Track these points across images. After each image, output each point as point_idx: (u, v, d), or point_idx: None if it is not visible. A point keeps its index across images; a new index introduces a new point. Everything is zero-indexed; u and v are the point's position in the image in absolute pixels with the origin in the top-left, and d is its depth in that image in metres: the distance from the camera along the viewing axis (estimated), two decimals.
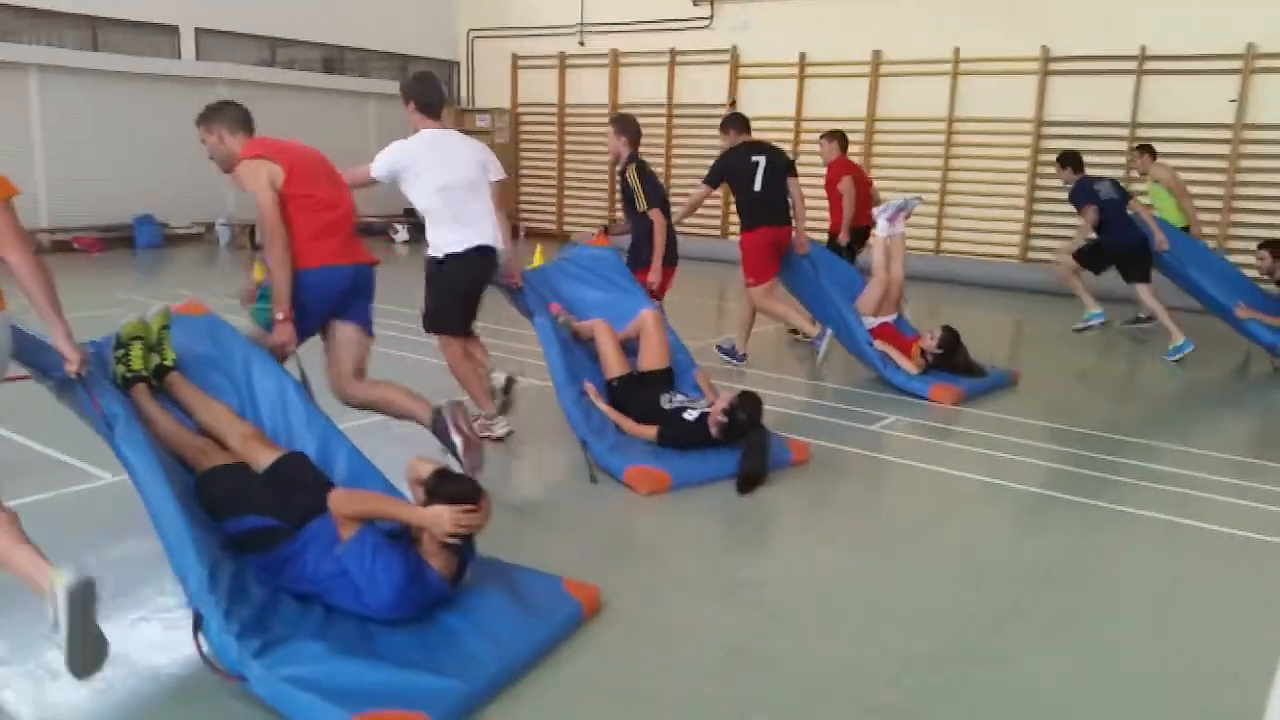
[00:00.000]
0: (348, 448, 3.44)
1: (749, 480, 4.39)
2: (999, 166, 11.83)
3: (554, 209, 15.50)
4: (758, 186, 6.51)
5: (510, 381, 5.00)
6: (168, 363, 3.40)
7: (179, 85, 12.30)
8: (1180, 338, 7.55)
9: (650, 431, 4.67)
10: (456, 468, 3.68)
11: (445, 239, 4.70)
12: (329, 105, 13.91)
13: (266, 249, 3.82)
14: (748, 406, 4.58)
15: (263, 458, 3.22)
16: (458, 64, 16.31)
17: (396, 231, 14.09)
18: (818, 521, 4.33)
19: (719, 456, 4.53)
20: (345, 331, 4.14)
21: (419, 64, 15.82)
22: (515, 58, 15.51)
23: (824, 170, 8.38)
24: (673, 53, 13.94)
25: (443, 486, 2.95)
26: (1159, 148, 9.22)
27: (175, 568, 2.71)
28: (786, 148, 12.81)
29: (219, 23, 12.95)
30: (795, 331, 7.32)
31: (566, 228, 15.37)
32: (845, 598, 3.47)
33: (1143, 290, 7.74)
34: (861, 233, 8.15)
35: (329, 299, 4.01)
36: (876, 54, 12.33)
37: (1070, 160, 8.03)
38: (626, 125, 6.09)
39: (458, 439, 4.05)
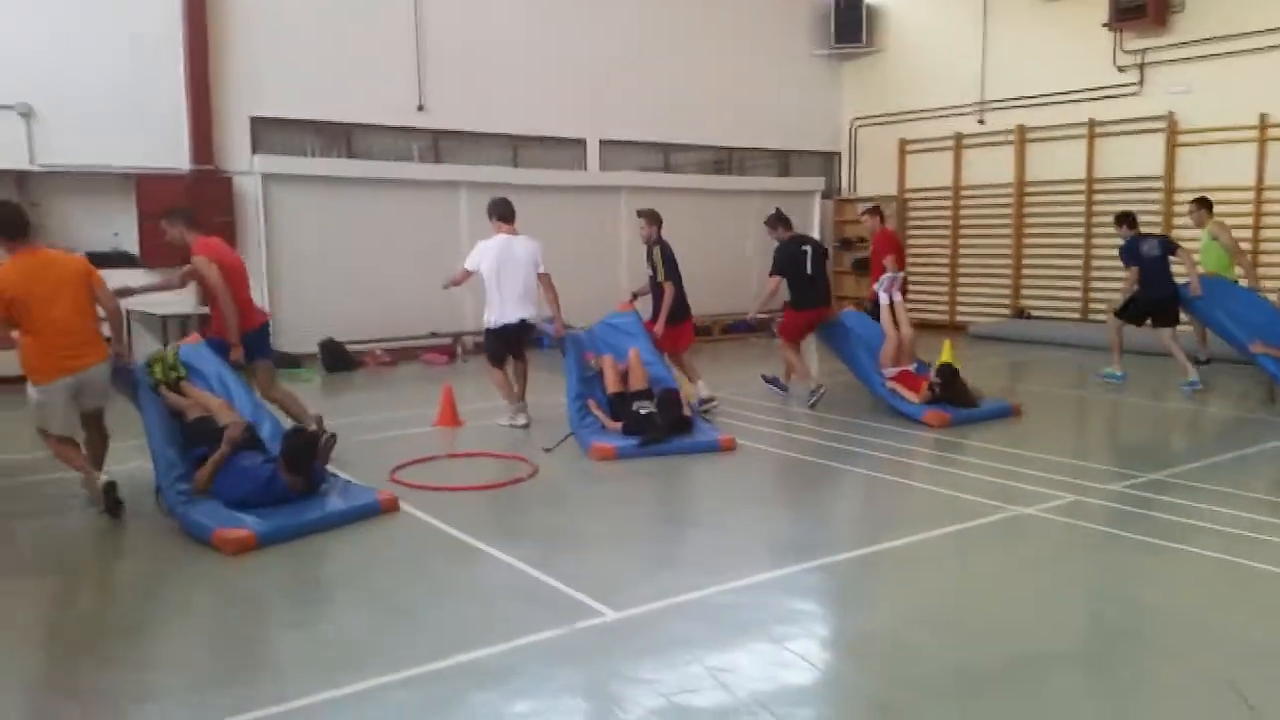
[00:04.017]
0: (271, 418, 6.08)
1: (644, 440, 6.61)
2: None
3: (946, 297, 14.40)
4: (809, 271, 8.19)
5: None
6: (181, 375, 5.86)
7: (585, 194, 13.11)
8: (1193, 375, 8.65)
9: (617, 425, 6.92)
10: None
11: (490, 314, 7.51)
12: (715, 204, 14.14)
13: (224, 311, 6.42)
14: (663, 400, 6.96)
15: (226, 419, 5.59)
16: (839, 154, 15.95)
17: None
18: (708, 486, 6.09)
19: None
20: (263, 363, 6.87)
21: (799, 158, 15.70)
22: (903, 142, 14.83)
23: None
24: (1091, 123, 12.47)
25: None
26: None
27: (153, 459, 5.37)
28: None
29: (621, 134, 13.73)
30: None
31: (961, 317, 14.14)
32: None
33: (1165, 334, 8.91)
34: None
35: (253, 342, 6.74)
36: None
37: (1123, 219, 9.08)
38: (654, 216, 8.12)
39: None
